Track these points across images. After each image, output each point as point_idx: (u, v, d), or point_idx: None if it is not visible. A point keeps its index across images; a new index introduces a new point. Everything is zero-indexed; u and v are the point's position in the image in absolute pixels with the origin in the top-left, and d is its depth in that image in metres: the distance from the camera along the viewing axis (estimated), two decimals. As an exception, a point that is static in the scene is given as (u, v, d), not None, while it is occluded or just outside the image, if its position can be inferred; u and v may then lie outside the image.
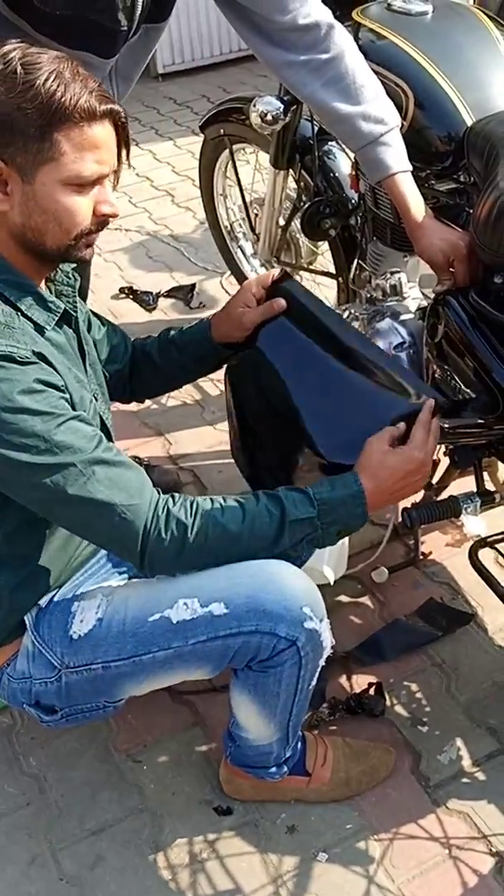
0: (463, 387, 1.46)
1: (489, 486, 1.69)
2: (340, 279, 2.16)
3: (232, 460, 1.61)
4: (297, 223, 2.27)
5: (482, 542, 1.48)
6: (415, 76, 1.53)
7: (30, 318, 1.14)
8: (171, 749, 1.59)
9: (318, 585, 1.83)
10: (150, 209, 3.60)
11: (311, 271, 2.40)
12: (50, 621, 1.25)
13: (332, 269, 2.21)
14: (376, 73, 1.50)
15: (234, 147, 2.43)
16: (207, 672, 1.25)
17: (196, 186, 2.91)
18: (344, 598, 1.86)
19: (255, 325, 1.38)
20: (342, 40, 1.42)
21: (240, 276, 2.72)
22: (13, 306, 1.12)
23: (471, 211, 1.56)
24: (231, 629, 1.18)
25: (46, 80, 1.05)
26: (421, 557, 1.93)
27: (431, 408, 1.21)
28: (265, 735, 1.36)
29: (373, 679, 1.66)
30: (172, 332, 1.49)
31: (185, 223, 3.47)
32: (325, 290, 2.52)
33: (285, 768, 1.43)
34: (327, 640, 1.25)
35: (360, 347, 1.29)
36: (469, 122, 1.49)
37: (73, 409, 1.13)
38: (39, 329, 1.15)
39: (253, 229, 2.56)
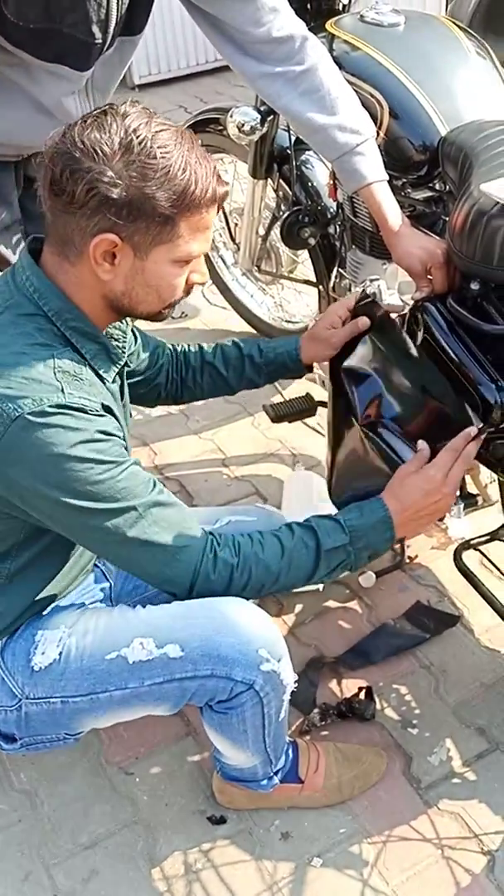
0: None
1: (471, 489, 1.72)
2: (321, 287, 2.18)
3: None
4: (276, 232, 2.30)
5: (466, 545, 1.49)
6: (389, 86, 1.55)
7: (94, 369, 1.16)
8: (164, 760, 1.59)
9: (307, 591, 1.87)
10: (130, 220, 3.60)
11: (292, 280, 2.42)
12: (14, 649, 1.25)
13: (313, 278, 2.23)
14: (350, 83, 1.52)
15: (213, 157, 2.44)
16: (168, 709, 1.25)
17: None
18: (332, 604, 1.87)
19: (343, 343, 1.44)
20: (316, 52, 1.44)
21: (221, 286, 2.73)
22: (80, 355, 1.15)
23: (446, 219, 1.59)
24: (186, 672, 1.18)
25: (181, 170, 1.07)
26: (407, 561, 1.95)
27: (467, 436, 1.23)
28: (244, 761, 1.37)
29: (362, 683, 1.68)
30: (247, 349, 1.51)
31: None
32: (306, 298, 2.54)
33: (276, 780, 1.43)
34: (288, 678, 1.25)
35: (432, 365, 1.34)
36: (443, 132, 1.52)
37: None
38: (101, 379, 1.18)
39: (233, 239, 2.58)
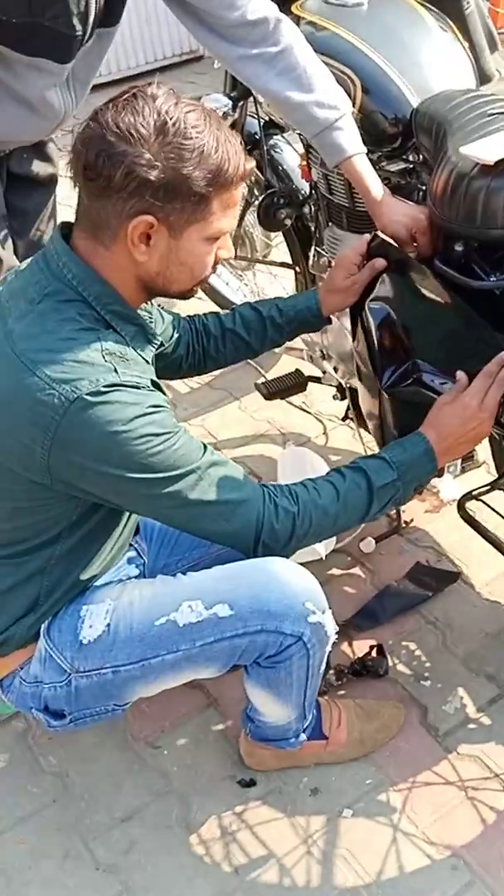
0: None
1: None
2: (298, 268, 2.23)
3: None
4: (250, 218, 2.34)
5: (468, 496, 1.55)
6: (359, 64, 1.60)
7: (134, 349, 1.20)
8: (189, 731, 1.63)
9: (311, 561, 1.93)
10: (95, 219, 3.62)
11: (268, 263, 2.47)
12: (60, 625, 1.28)
13: (289, 260, 2.27)
14: (323, 62, 1.57)
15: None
16: (216, 670, 1.29)
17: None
18: (336, 571, 1.92)
19: (363, 288, 1.47)
20: (290, 33, 1.48)
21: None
22: (121, 337, 1.18)
23: (423, 188, 1.65)
24: (237, 629, 1.22)
25: (213, 149, 1.10)
26: (404, 525, 2.01)
27: (501, 360, 1.27)
28: (283, 717, 1.41)
29: (373, 642, 1.73)
30: (267, 310, 1.53)
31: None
32: (283, 282, 2.59)
33: (304, 736, 1.48)
34: (331, 629, 1.30)
35: (455, 296, 1.37)
36: (414, 104, 1.57)
37: None
38: (143, 359, 1.21)
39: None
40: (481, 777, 1.52)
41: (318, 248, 2.03)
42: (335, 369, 1.94)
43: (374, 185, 1.49)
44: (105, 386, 1.10)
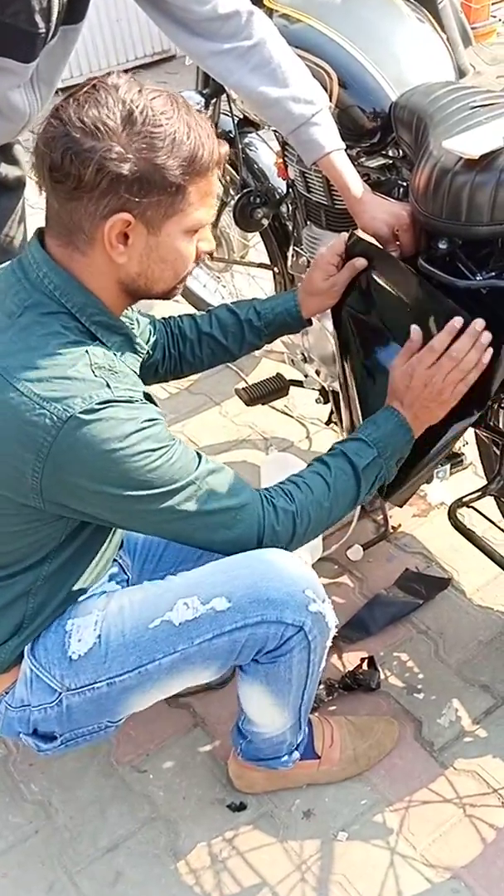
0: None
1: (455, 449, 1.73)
2: (276, 269, 2.17)
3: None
4: (226, 218, 2.28)
5: (459, 503, 1.50)
6: (335, 57, 1.55)
7: (123, 360, 1.14)
8: (175, 754, 1.57)
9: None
10: (68, 223, 3.55)
11: (246, 264, 2.41)
12: (45, 644, 1.22)
13: (267, 261, 2.22)
14: (298, 55, 1.51)
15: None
16: (214, 672, 1.24)
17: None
18: (323, 580, 1.85)
19: (344, 288, 1.43)
20: (263, 26, 1.43)
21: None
22: (106, 348, 1.12)
23: (403, 184, 1.59)
24: (236, 623, 1.17)
25: (185, 134, 1.05)
26: (391, 531, 1.96)
27: (452, 329, 1.21)
28: (279, 724, 1.35)
29: (364, 654, 1.68)
30: (244, 313, 1.47)
31: (105, 233, 3.43)
32: (262, 283, 2.53)
33: (296, 754, 1.42)
34: (332, 620, 1.25)
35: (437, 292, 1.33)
36: (392, 97, 1.52)
37: None
38: (132, 369, 1.16)
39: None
40: (479, 793, 1.47)
41: (296, 248, 1.98)
42: (317, 372, 1.89)
43: (354, 182, 1.44)
44: (99, 403, 1.04)
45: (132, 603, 1.21)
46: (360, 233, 1.45)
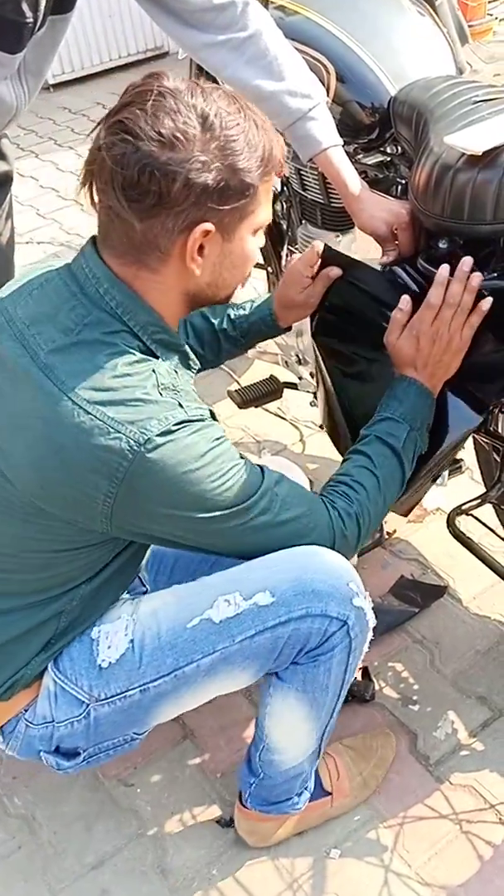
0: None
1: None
2: (270, 268, 2.13)
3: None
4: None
5: (458, 511, 1.46)
6: (333, 50, 1.51)
7: (181, 378, 1.10)
8: (163, 767, 1.52)
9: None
10: (60, 219, 3.50)
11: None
12: (71, 654, 1.17)
13: (261, 260, 2.17)
14: (294, 49, 1.47)
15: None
16: (251, 675, 1.18)
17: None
18: (317, 588, 1.82)
19: (320, 299, 1.39)
20: (259, 17, 1.38)
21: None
22: (169, 367, 1.08)
23: (402, 182, 1.55)
24: (280, 617, 1.12)
25: (254, 133, 1.02)
26: (386, 537, 1.91)
27: (447, 266, 1.21)
28: (304, 748, 1.28)
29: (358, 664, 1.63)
30: (219, 323, 1.44)
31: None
32: (255, 282, 2.49)
33: (307, 794, 1.36)
34: (371, 619, 1.20)
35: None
36: (392, 92, 1.48)
37: None
38: (191, 387, 1.12)
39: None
40: (476, 808, 1.42)
41: (291, 248, 1.94)
42: (312, 375, 1.84)
43: (352, 180, 1.40)
44: (175, 424, 1.01)
45: (166, 604, 1.16)
46: (319, 245, 1.41)
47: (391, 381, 1.28)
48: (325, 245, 1.39)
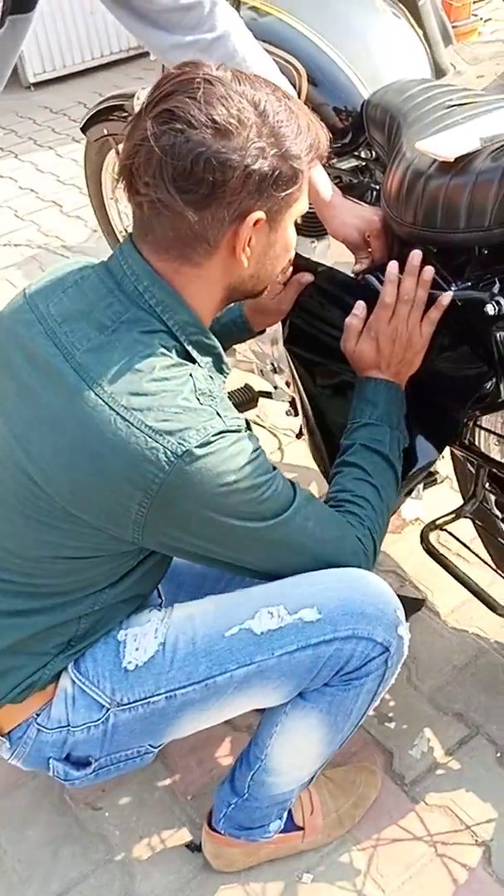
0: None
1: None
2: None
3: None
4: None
5: (432, 526, 1.42)
6: (304, 51, 1.47)
7: (216, 383, 1.07)
8: (133, 790, 1.48)
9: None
10: (38, 221, 3.45)
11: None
12: (94, 655, 1.13)
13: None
14: (265, 51, 1.43)
15: (121, 146, 2.32)
16: (284, 695, 1.13)
17: (84, 194, 2.79)
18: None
19: (292, 303, 1.37)
20: (227, 17, 1.34)
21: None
22: (204, 370, 1.05)
23: (376, 187, 1.52)
24: (325, 635, 1.08)
25: (301, 119, 1.01)
26: (364, 548, 1.88)
27: (396, 263, 1.20)
28: (305, 773, 1.23)
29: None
30: None
31: (76, 233, 3.34)
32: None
33: (279, 823, 1.31)
34: (406, 649, 1.17)
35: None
36: (365, 95, 1.44)
37: None
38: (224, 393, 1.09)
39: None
40: (451, 830, 1.39)
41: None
42: (287, 384, 1.81)
43: (323, 185, 1.36)
44: (214, 435, 0.97)
45: (204, 611, 1.13)
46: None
47: (358, 385, 1.26)
48: (296, 252, 1.36)
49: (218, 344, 1.10)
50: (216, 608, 1.13)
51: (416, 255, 1.19)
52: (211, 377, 1.05)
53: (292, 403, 1.86)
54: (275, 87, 1.01)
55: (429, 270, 1.19)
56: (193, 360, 1.05)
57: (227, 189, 0.95)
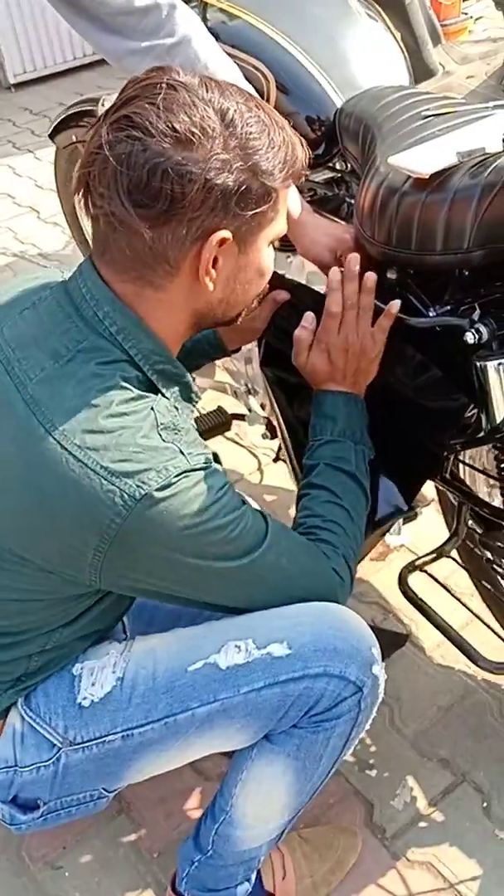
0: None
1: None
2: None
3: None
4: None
5: (411, 567, 1.33)
6: (273, 57, 1.38)
7: (183, 414, 0.99)
8: (96, 847, 1.38)
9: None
10: (15, 228, 3.35)
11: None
12: (47, 690, 1.05)
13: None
14: (230, 56, 1.34)
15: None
16: (249, 736, 1.05)
17: (61, 200, 2.69)
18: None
19: (267, 322, 1.30)
20: (187, 21, 1.25)
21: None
22: (169, 401, 0.97)
23: (351, 201, 1.43)
24: (294, 672, 1.01)
25: (275, 131, 0.93)
26: (345, 577, 1.79)
27: (338, 270, 1.13)
28: (271, 826, 1.13)
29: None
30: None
31: (53, 240, 3.24)
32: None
33: (247, 886, 1.21)
34: (381, 691, 1.08)
35: None
36: (338, 103, 1.35)
37: None
38: (192, 424, 1.01)
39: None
40: (433, 889, 1.30)
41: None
42: (262, 406, 1.71)
43: (292, 201, 1.26)
44: (176, 476, 0.90)
45: (166, 644, 1.06)
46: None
47: (315, 400, 1.18)
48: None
49: (186, 372, 1.02)
50: (180, 641, 1.06)
51: (352, 259, 1.12)
52: (176, 408, 0.98)
53: (269, 426, 1.77)
54: (248, 96, 0.93)
55: (371, 277, 1.12)
56: (157, 391, 0.97)
57: (187, 204, 0.87)
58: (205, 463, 0.94)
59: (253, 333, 1.31)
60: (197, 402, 1.05)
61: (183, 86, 0.88)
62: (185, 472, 0.91)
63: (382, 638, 1.65)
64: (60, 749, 1.04)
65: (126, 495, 0.88)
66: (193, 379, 1.17)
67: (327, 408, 1.16)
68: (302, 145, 0.97)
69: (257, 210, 0.92)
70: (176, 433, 0.93)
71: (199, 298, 0.96)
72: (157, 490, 0.89)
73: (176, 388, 1.00)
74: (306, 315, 1.17)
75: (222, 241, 0.91)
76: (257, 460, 2.13)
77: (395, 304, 1.12)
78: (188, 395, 1.02)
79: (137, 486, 0.88)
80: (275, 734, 1.07)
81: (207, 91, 0.89)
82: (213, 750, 1.09)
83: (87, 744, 1.04)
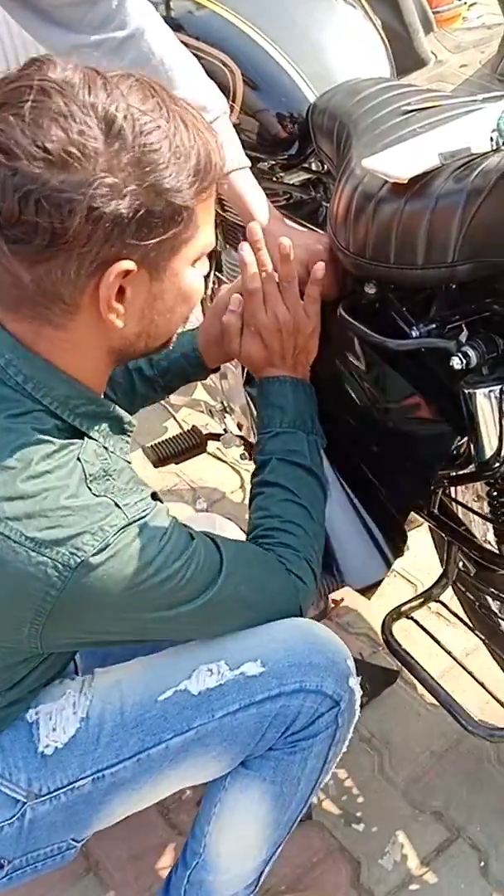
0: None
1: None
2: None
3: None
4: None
5: (396, 613, 1.21)
6: (240, 49, 1.26)
7: (114, 451, 0.90)
8: (58, 912, 1.28)
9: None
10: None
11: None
12: (2, 745, 0.96)
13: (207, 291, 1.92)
14: (194, 48, 1.22)
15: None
16: (225, 765, 1.00)
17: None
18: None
19: None
20: (140, 13, 1.13)
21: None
22: (97, 443, 0.88)
23: (328, 205, 1.31)
24: (270, 690, 0.96)
25: (187, 137, 0.80)
26: (332, 606, 1.67)
27: (246, 243, 1.07)
28: (247, 867, 1.07)
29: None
30: (132, 363, 1.20)
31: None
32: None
33: None
34: (358, 706, 1.03)
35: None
36: (311, 98, 1.23)
37: None
38: (125, 459, 0.93)
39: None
40: None
41: (217, 274, 1.69)
42: (239, 426, 1.60)
43: (259, 208, 1.15)
44: (114, 535, 0.82)
45: (131, 674, 0.99)
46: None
47: (259, 390, 1.11)
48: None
49: (112, 405, 0.92)
50: (147, 671, 0.99)
51: (252, 228, 1.06)
52: (106, 448, 0.89)
53: (248, 446, 1.65)
54: (152, 91, 0.79)
55: (286, 244, 1.04)
56: (82, 435, 0.86)
57: (71, 238, 0.75)
58: (144, 511, 0.86)
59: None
60: (132, 430, 0.95)
61: (58, 89, 0.74)
62: (122, 528, 0.82)
63: (371, 674, 1.56)
64: (25, 804, 0.95)
65: (60, 565, 0.79)
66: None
67: (273, 397, 1.09)
68: (216, 148, 0.83)
69: (165, 235, 0.80)
70: (108, 480, 0.85)
71: (111, 335, 0.85)
72: (94, 555, 0.80)
73: (105, 425, 0.90)
74: (232, 298, 1.08)
75: (125, 273, 0.79)
76: (240, 478, 2.02)
77: (320, 267, 1.05)
78: (120, 428, 0.93)
79: (71, 554, 0.79)
80: (250, 759, 1.01)
81: (90, 93, 0.75)
82: (188, 783, 1.03)
83: (54, 794, 0.96)
